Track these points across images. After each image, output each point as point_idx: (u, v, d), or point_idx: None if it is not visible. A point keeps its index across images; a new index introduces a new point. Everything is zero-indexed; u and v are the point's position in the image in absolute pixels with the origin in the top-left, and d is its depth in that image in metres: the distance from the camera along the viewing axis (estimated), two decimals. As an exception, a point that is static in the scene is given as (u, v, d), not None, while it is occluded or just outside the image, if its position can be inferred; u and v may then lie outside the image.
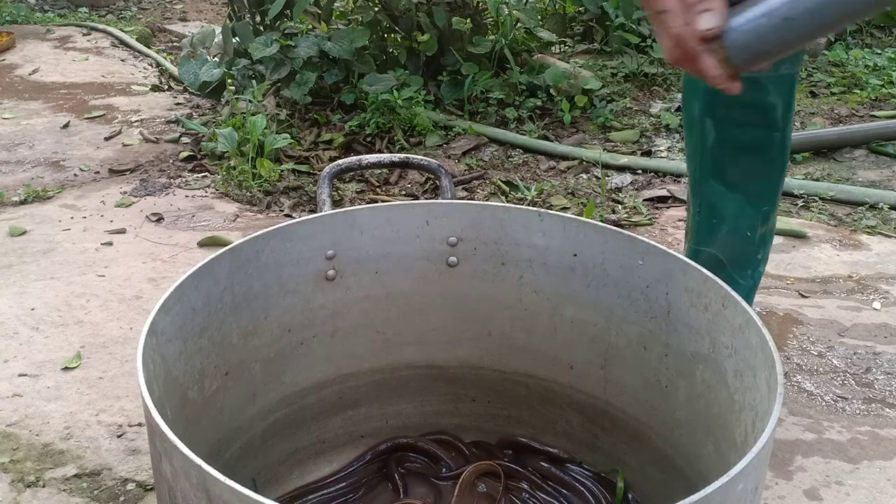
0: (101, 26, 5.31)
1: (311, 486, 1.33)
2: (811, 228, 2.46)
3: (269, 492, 1.30)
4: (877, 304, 2.06)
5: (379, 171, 2.88)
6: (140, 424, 1.61)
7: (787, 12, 0.88)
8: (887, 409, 1.67)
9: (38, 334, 1.92)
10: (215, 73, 3.54)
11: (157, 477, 0.86)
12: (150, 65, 4.54)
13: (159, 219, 2.56)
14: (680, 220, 2.54)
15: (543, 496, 1.30)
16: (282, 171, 2.86)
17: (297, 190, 2.78)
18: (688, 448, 1.16)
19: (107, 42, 5.00)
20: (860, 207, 2.58)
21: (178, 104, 3.78)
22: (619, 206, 2.65)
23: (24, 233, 2.45)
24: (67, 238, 2.42)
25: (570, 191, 2.76)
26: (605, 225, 1.23)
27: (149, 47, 4.87)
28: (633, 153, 3.07)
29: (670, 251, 1.15)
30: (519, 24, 3.71)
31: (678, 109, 3.45)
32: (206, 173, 2.95)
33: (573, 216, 1.25)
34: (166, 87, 4.06)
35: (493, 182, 2.81)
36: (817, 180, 2.82)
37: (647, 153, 3.09)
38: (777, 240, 2.36)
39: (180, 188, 2.81)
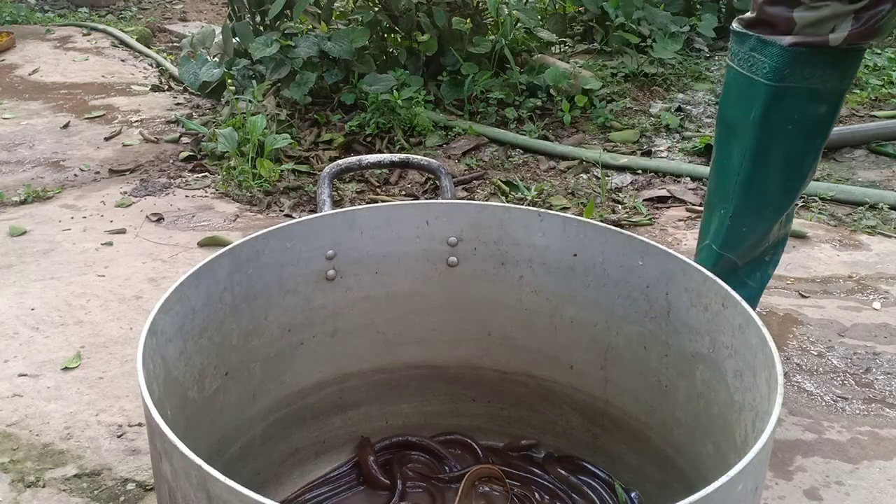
0: (101, 26, 5.31)
1: (313, 483, 1.33)
2: (811, 228, 2.46)
3: (270, 492, 1.30)
4: (877, 304, 2.06)
5: (379, 171, 2.88)
6: (140, 424, 1.61)
7: None
8: (887, 409, 1.67)
9: (38, 334, 1.92)
10: (215, 73, 3.54)
11: (157, 477, 0.86)
12: (150, 65, 4.54)
13: (159, 219, 2.56)
14: (680, 220, 2.54)
15: (549, 499, 1.29)
16: (282, 171, 2.86)
17: (297, 190, 2.78)
18: (688, 448, 1.16)
19: (107, 42, 5.00)
20: (860, 207, 2.58)
21: (178, 104, 3.78)
22: (619, 206, 2.65)
23: (24, 233, 2.45)
24: (67, 238, 2.42)
25: (570, 191, 2.76)
26: (605, 225, 1.23)
27: (149, 47, 4.87)
28: (633, 153, 3.07)
29: (670, 251, 1.15)
30: (519, 24, 3.71)
31: (678, 109, 3.45)
32: (206, 173, 2.95)
33: (573, 216, 1.25)
34: (166, 87, 4.06)
35: (493, 182, 2.81)
36: (817, 180, 2.82)
37: (647, 153, 3.09)
38: (777, 240, 2.37)
39: (180, 188, 2.81)
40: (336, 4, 3.77)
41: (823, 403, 1.69)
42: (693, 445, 1.14)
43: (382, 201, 2.67)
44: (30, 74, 4.30)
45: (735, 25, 1.45)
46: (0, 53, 4.66)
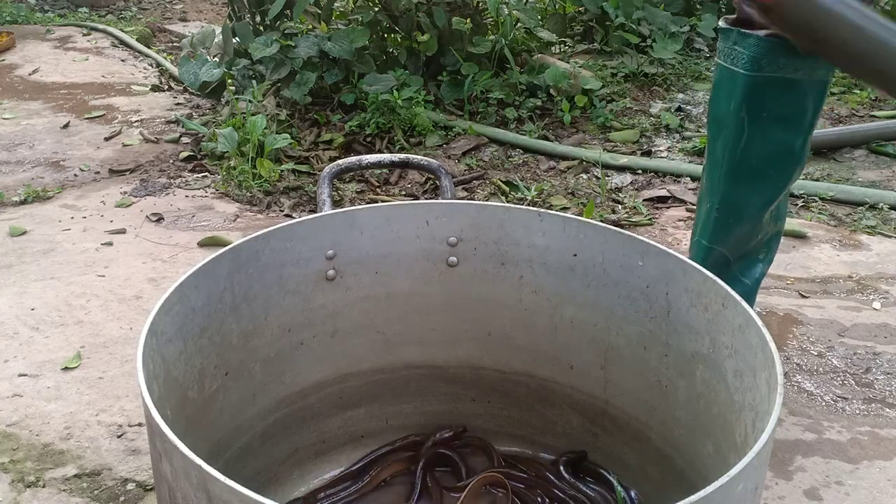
0: (101, 26, 5.31)
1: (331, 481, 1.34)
2: (811, 228, 2.46)
3: (270, 492, 1.30)
4: (877, 304, 2.06)
5: (379, 171, 2.88)
6: (140, 424, 1.61)
7: None
8: (887, 409, 1.67)
9: (38, 334, 1.92)
10: (215, 73, 3.54)
11: (157, 477, 0.86)
12: (150, 65, 4.54)
13: (159, 219, 2.56)
14: (680, 220, 2.54)
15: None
16: (282, 171, 2.86)
17: (297, 190, 2.78)
18: (688, 448, 1.16)
19: (107, 42, 5.00)
20: (860, 207, 2.58)
21: (178, 104, 3.78)
22: (619, 206, 2.65)
23: (24, 233, 2.45)
24: (67, 238, 2.42)
25: (570, 191, 2.76)
26: (605, 225, 1.23)
27: (149, 47, 4.87)
28: (633, 153, 3.07)
29: (670, 251, 1.15)
30: (519, 24, 3.71)
31: (678, 109, 3.45)
32: (206, 173, 2.95)
33: (573, 216, 1.25)
34: (166, 87, 4.06)
35: (493, 182, 2.81)
36: (817, 180, 2.82)
37: (647, 153, 3.09)
38: (777, 240, 2.37)
39: (180, 188, 2.81)
40: (336, 4, 3.77)
41: (823, 403, 1.69)
42: (693, 445, 1.14)
43: (382, 201, 2.67)
44: (30, 74, 4.30)
45: (721, 23, 1.51)
46: (0, 53, 4.66)
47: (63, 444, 1.56)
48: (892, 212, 2.56)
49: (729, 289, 1.05)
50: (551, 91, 3.41)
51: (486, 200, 2.65)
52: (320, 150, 3.10)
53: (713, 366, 1.08)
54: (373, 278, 1.30)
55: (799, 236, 2.40)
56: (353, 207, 1.28)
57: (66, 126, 3.47)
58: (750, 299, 1.67)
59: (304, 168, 2.92)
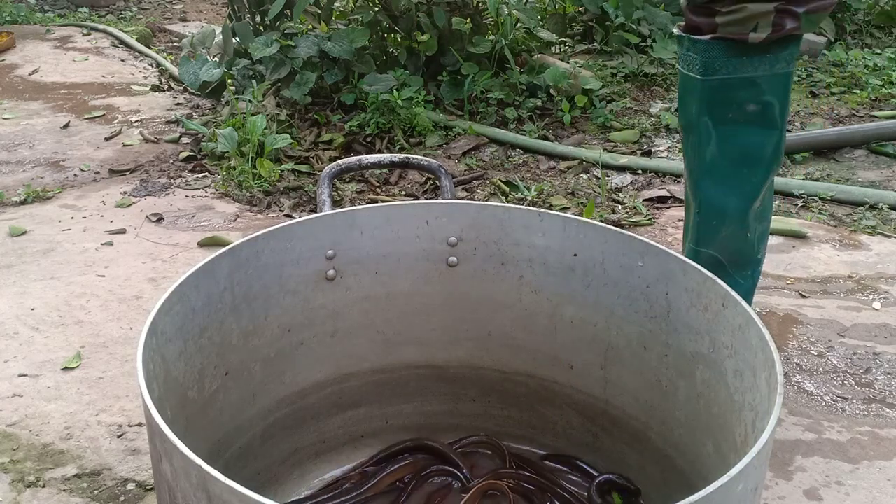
0: (101, 26, 5.31)
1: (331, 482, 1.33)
2: (811, 228, 2.46)
3: (270, 492, 1.30)
4: (877, 304, 2.06)
5: (379, 171, 2.88)
6: (140, 424, 1.61)
7: None
8: (887, 409, 1.67)
9: (38, 334, 1.92)
10: (215, 73, 3.54)
11: (157, 477, 0.86)
12: (150, 65, 4.54)
13: (159, 219, 2.56)
14: (680, 220, 2.54)
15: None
16: (282, 171, 2.86)
17: (297, 190, 2.78)
18: (688, 448, 1.16)
19: (107, 42, 5.00)
20: (860, 207, 2.58)
21: (178, 104, 3.78)
22: (619, 206, 2.65)
23: (24, 233, 2.45)
24: (67, 238, 2.42)
25: (570, 191, 2.76)
26: (605, 225, 1.23)
27: (149, 47, 4.87)
28: (633, 153, 3.07)
29: (670, 251, 1.15)
30: (519, 24, 3.71)
31: (678, 109, 3.45)
32: (206, 173, 2.95)
33: (573, 216, 1.25)
34: (166, 87, 4.06)
35: (493, 182, 2.81)
36: (817, 180, 2.82)
37: (647, 153, 3.09)
38: (777, 240, 2.36)
39: (180, 188, 2.81)
40: (336, 4, 3.77)
41: (823, 403, 1.69)
42: (693, 445, 1.14)
43: (382, 201, 2.67)
44: (30, 74, 4.30)
45: (675, 30, 1.54)
46: (0, 53, 4.66)
47: (63, 444, 1.56)
48: (892, 212, 2.56)
49: (729, 289, 1.05)
50: (551, 91, 3.41)
51: (486, 200, 2.65)
52: (320, 150, 3.10)
53: (713, 366, 1.08)
54: (373, 278, 1.30)
55: (799, 236, 2.40)
56: (353, 207, 1.28)
57: (66, 126, 3.47)
58: (747, 299, 1.67)
59: (304, 168, 2.92)
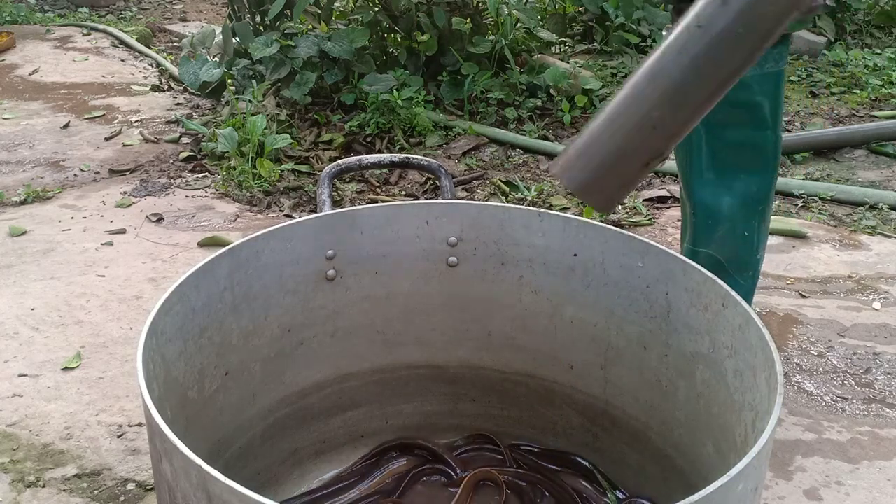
0: (101, 26, 5.31)
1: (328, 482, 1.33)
2: (811, 228, 2.46)
3: (270, 492, 1.30)
4: (877, 304, 2.06)
5: (379, 171, 2.88)
6: (140, 424, 1.61)
7: None
8: (887, 409, 1.67)
9: (38, 334, 1.92)
10: (215, 73, 3.54)
11: (157, 477, 0.86)
12: (150, 65, 4.54)
13: (159, 219, 2.56)
14: (679, 220, 2.53)
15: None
16: (282, 171, 2.86)
17: (297, 190, 2.78)
18: (688, 448, 1.16)
19: (107, 42, 5.00)
20: (860, 207, 2.58)
21: (178, 104, 3.78)
22: (619, 206, 2.65)
23: (24, 233, 2.45)
24: (67, 238, 2.42)
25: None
26: (605, 225, 1.23)
27: (149, 47, 4.87)
28: (633, 153, 3.07)
29: (670, 251, 1.15)
30: (519, 24, 3.71)
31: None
32: (206, 173, 2.95)
33: (573, 216, 1.25)
34: (166, 87, 4.06)
35: (493, 182, 2.81)
36: (817, 180, 2.82)
37: (647, 153, 3.09)
38: (777, 240, 2.36)
39: (180, 188, 2.81)
40: (336, 4, 3.77)
41: (823, 403, 1.69)
42: (693, 445, 1.14)
43: (382, 201, 2.67)
44: (30, 74, 4.30)
45: (664, 32, 1.51)
46: (0, 53, 4.66)
47: (63, 444, 1.56)
48: (892, 212, 2.56)
49: (729, 289, 1.05)
50: (551, 91, 3.41)
51: (486, 200, 2.65)
52: (320, 150, 3.10)
53: (713, 366, 1.08)
54: (373, 278, 1.30)
55: (799, 236, 2.40)
56: (353, 207, 1.28)
57: (66, 126, 3.47)
58: (747, 300, 1.67)
59: (304, 168, 2.92)
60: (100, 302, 2.06)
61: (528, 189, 2.73)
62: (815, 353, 1.85)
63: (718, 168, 1.51)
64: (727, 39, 0.79)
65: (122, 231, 2.47)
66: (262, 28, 3.57)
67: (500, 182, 2.80)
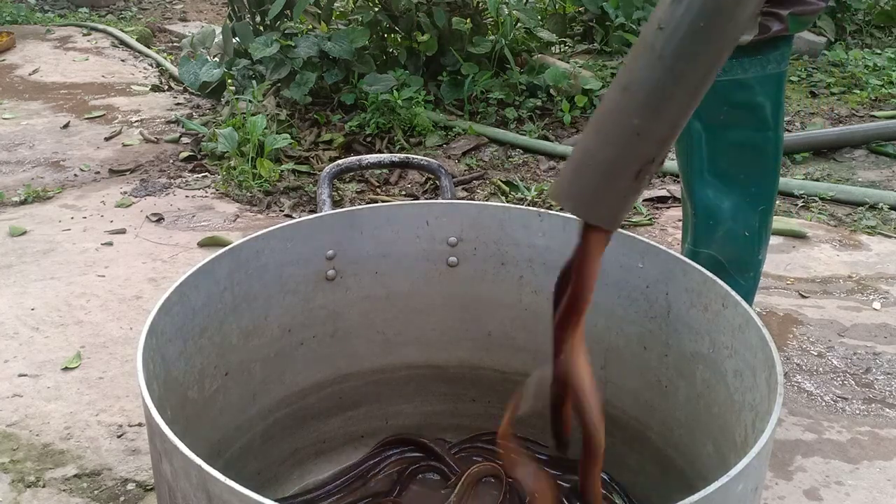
0: (101, 26, 5.31)
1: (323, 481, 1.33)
2: (811, 228, 2.46)
3: (270, 492, 1.30)
4: (877, 304, 2.06)
5: (379, 171, 2.88)
6: (140, 424, 1.61)
7: None
8: (887, 409, 1.67)
9: (38, 334, 1.92)
10: (215, 74, 3.54)
11: (157, 477, 0.86)
12: (150, 65, 4.54)
13: (159, 219, 2.56)
14: (679, 220, 2.54)
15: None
16: (282, 171, 2.86)
17: (297, 190, 2.78)
18: (688, 448, 1.16)
19: (107, 42, 5.00)
20: (860, 207, 2.58)
21: (178, 104, 3.78)
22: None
23: (24, 233, 2.45)
24: (67, 238, 2.42)
25: (570, 191, 2.76)
26: (604, 225, 1.23)
27: (149, 47, 4.87)
28: (633, 153, 3.07)
29: (670, 251, 1.15)
30: (519, 24, 3.71)
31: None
32: (206, 173, 2.95)
33: (573, 216, 1.25)
34: (166, 87, 4.06)
35: (493, 182, 2.81)
36: (817, 180, 2.82)
37: (647, 153, 3.09)
38: (777, 240, 2.36)
39: (180, 188, 2.81)
40: (336, 4, 3.77)
41: (823, 403, 1.69)
42: (693, 445, 1.14)
43: (382, 201, 2.67)
44: (30, 74, 4.30)
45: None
46: (0, 53, 4.66)
47: (63, 444, 1.56)
48: (892, 212, 2.56)
49: (729, 289, 1.05)
50: (551, 91, 3.41)
51: (486, 200, 2.65)
52: (320, 150, 3.10)
53: (713, 366, 1.08)
54: (373, 278, 1.30)
55: (799, 236, 2.40)
56: (353, 207, 1.28)
57: (66, 126, 3.47)
58: (748, 300, 1.67)
59: (304, 168, 2.92)
60: (100, 302, 2.06)
61: (528, 189, 2.73)
62: (815, 354, 1.85)
63: (720, 169, 1.51)
64: (692, 34, 0.79)
65: (122, 231, 2.47)
66: (262, 28, 3.57)
67: (500, 182, 2.80)
